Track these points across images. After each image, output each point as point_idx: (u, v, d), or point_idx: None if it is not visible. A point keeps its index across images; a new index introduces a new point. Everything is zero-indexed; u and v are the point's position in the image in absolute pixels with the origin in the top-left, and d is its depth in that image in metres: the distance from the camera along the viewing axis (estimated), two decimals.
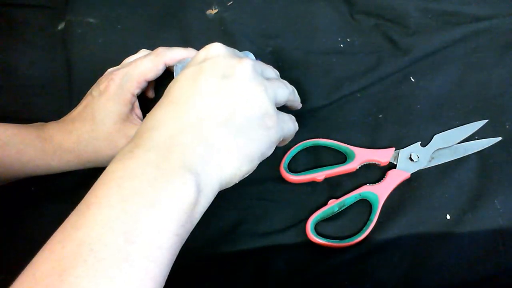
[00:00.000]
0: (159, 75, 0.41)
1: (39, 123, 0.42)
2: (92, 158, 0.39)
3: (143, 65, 0.40)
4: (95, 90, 0.40)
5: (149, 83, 0.44)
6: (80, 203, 0.25)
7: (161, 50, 0.41)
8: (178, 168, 0.25)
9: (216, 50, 0.31)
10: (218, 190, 0.28)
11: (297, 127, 0.35)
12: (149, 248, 0.23)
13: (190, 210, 0.25)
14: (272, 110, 0.30)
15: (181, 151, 0.26)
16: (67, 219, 0.24)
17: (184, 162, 0.26)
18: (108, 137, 0.39)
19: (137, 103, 0.42)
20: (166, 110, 0.29)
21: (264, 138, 0.29)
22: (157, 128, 0.28)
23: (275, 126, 0.30)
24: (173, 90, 0.30)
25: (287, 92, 0.33)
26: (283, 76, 0.36)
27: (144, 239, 0.23)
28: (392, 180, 0.40)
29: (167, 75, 0.43)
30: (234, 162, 0.28)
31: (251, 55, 0.43)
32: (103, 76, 0.42)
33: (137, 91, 0.40)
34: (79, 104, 0.41)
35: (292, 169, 0.42)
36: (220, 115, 0.28)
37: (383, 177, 0.41)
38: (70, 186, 0.42)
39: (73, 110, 0.41)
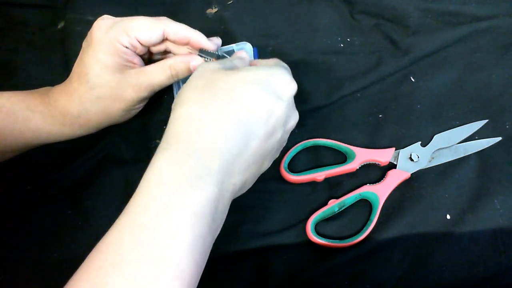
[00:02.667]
0: (153, 41, 0.37)
1: (46, 87, 0.39)
2: (104, 119, 0.38)
3: (137, 20, 0.36)
4: (84, 42, 0.37)
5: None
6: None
7: (164, 18, 0.38)
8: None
9: (291, 93, 0.33)
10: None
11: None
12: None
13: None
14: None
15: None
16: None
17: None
18: (111, 92, 0.36)
19: (135, 59, 0.38)
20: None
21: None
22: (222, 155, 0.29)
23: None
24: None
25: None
26: None
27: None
28: (392, 180, 0.40)
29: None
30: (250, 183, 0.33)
31: (248, 45, 0.43)
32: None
33: (126, 41, 0.36)
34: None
35: (292, 169, 0.42)
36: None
37: (383, 177, 0.41)
38: (68, 186, 0.42)
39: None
